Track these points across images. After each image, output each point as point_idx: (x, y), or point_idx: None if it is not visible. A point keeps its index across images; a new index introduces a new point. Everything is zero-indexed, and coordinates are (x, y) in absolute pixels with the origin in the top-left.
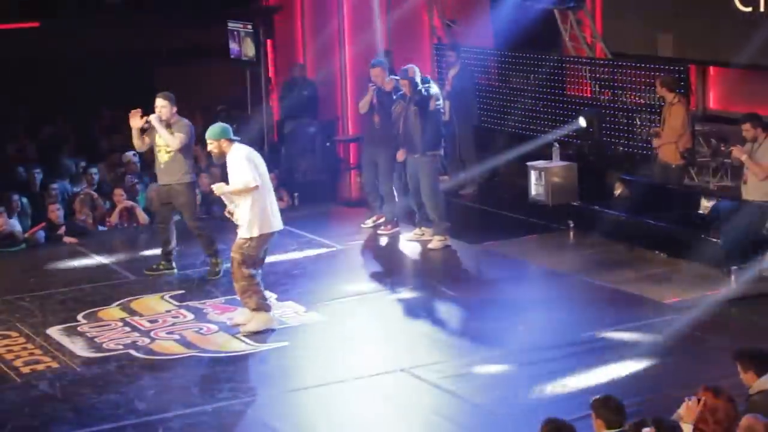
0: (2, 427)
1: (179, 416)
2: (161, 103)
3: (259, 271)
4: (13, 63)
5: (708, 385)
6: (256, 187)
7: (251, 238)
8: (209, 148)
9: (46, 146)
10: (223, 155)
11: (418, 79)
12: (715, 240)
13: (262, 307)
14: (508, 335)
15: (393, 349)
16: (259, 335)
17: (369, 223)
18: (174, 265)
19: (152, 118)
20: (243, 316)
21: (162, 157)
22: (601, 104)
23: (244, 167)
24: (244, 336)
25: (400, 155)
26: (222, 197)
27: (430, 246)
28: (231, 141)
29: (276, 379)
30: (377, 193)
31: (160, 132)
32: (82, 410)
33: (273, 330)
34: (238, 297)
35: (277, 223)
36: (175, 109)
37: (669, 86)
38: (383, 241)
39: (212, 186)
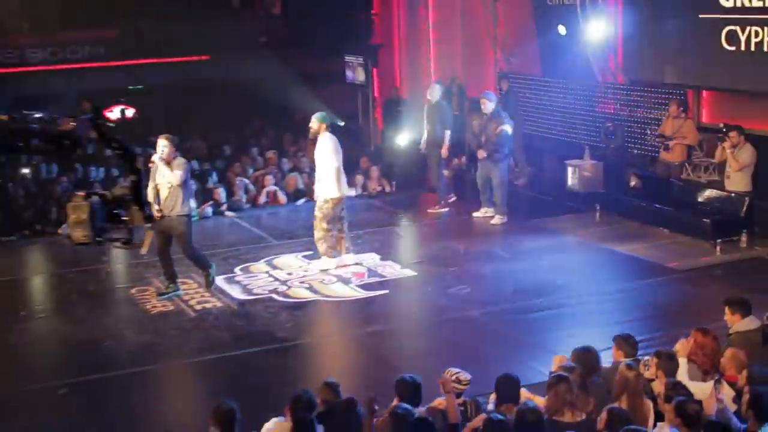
0: (182, 347)
1: (307, 343)
2: (163, 144)
3: (339, 227)
4: (190, 88)
5: (698, 327)
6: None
7: (328, 200)
8: (311, 124)
9: (213, 147)
10: (315, 134)
11: (493, 104)
12: (706, 220)
13: (329, 253)
14: (548, 287)
15: (472, 291)
16: (364, 286)
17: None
18: (179, 285)
19: (155, 157)
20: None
21: (163, 192)
22: (621, 118)
23: (331, 154)
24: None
25: (445, 152)
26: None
27: (493, 222)
28: (327, 128)
29: (378, 318)
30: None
31: (162, 169)
32: (238, 337)
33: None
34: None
35: (345, 189)
36: (174, 148)
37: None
38: (456, 217)
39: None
